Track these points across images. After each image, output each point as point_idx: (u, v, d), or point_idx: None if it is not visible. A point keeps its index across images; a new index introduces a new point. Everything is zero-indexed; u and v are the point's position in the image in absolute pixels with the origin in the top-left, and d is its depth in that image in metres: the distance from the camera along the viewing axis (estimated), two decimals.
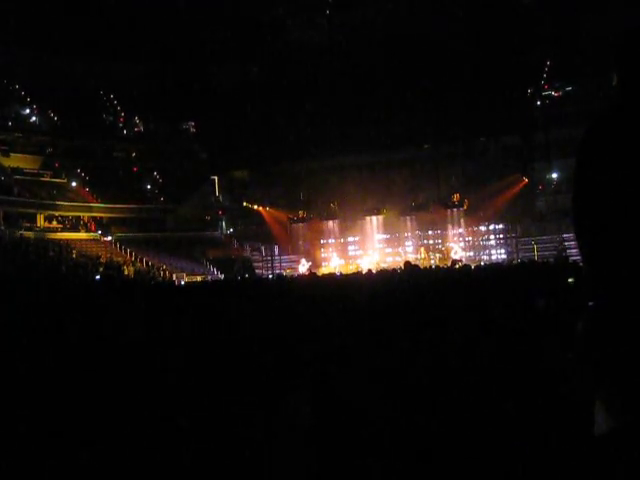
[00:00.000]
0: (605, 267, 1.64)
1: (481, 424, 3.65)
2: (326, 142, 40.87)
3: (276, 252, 44.50)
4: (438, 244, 40.94)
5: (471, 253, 39.87)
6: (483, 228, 40.10)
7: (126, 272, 36.14)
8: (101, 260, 37.20)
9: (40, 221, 40.29)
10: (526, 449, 3.38)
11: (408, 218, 40.97)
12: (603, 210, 1.64)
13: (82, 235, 41.32)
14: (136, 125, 49.40)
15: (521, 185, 39.43)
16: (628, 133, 1.63)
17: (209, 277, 36.92)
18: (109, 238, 41.94)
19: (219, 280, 29.29)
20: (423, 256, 37.85)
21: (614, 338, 1.60)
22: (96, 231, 42.23)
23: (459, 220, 39.69)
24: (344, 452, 3.71)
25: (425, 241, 41.12)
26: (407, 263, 11.66)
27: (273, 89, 42.39)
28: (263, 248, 44.98)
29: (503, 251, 39.35)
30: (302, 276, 25.59)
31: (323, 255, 43.02)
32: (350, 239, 43.21)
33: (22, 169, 41.84)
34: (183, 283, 28.42)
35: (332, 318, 6.04)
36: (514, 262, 31.07)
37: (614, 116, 1.74)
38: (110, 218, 43.74)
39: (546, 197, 39.32)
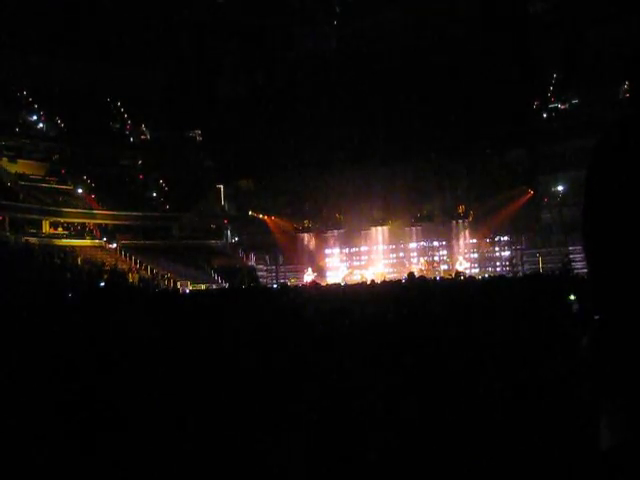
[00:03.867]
0: (614, 280, 1.62)
1: (487, 437, 3.63)
2: (332, 153, 40.91)
3: (281, 261, 44.50)
4: (443, 255, 40.95)
5: (476, 264, 39.82)
6: (488, 240, 40.00)
7: (131, 279, 36.14)
8: (106, 267, 37.19)
9: (45, 227, 40.33)
10: (532, 463, 3.35)
11: (413, 229, 40.95)
12: (614, 223, 1.62)
13: (87, 242, 41.34)
14: (143, 133, 49.53)
15: (526, 197, 39.38)
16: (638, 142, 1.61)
17: (213, 286, 36.89)
18: (114, 245, 41.93)
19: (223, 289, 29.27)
20: (424, 267, 37.95)
21: (620, 353, 1.59)
22: (101, 238, 42.23)
23: (464, 232, 39.65)
24: (346, 458, 3.70)
25: (430, 252, 41.07)
26: (411, 274, 11.62)
27: (280, 99, 42.53)
28: (268, 257, 45.00)
29: (508, 263, 39.27)
30: (306, 286, 25.60)
31: (328, 265, 42.96)
32: (355, 249, 43.16)
33: (28, 175, 41.95)
34: (188, 291, 28.42)
35: (335, 326, 6.03)
36: (518, 274, 31.07)
37: (626, 126, 1.72)
38: (115, 225, 43.73)
39: (551, 209, 39.23)
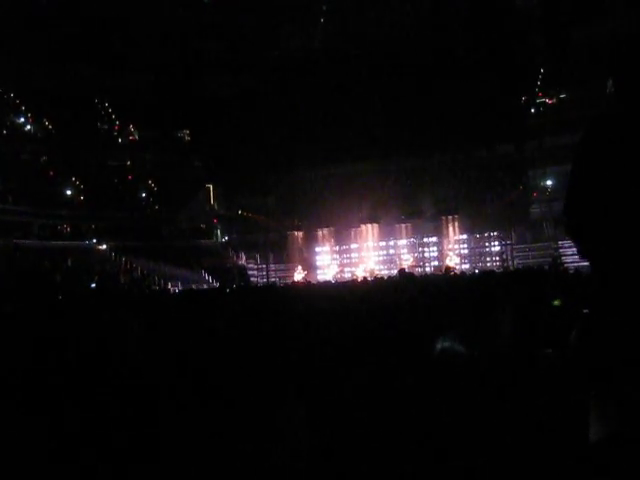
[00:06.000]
0: (599, 271, 1.63)
1: (476, 432, 3.64)
2: (321, 151, 40.88)
3: (271, 260, 44.48)
4: (433, 251, 41.06)
5: (466, 260, 39.94)
6: (478, 235, 40.09)
7: (121, 281, 36.04)
8: (96, 269, 37.05)
9: (34, 230, 40.12)
10: (521, 457, 3.36)
11: (403, 226, 40.98)
12: (596, 213, 1.63)
13: (76, 244, 41.13)
14: (131, 133, 49.33)
15: (516, 192, 39.51)
16: (624, 137, 1.63)
17: (204, 285, 36.86)
18: (104, 247, 41.76)
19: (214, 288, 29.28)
20: (413, 263, 38.28)
21: (609, 345, 1.60)
22: (91, 240, 42.05)
23: (454, 227, 39.72)
24: (339, 461, 3.70)
25: (420, 249, 41.15)
26: (401, 271, 11.64)
27: (267, 98, 42.45)
28: (258, 256, 44.94)
29: (498, 258, 39.41)
30: (298, 284, 25.61)
31: (318, 263, 42.94)
32: (345, 247, 43.15)
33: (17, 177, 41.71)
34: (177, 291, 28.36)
35: (327, 325, 6.02)
36: (511, 269, 31.22)
37: (610, 120, 1.74)
38: (105, 226, 43.54)
39: (541, 204, 39.33)
